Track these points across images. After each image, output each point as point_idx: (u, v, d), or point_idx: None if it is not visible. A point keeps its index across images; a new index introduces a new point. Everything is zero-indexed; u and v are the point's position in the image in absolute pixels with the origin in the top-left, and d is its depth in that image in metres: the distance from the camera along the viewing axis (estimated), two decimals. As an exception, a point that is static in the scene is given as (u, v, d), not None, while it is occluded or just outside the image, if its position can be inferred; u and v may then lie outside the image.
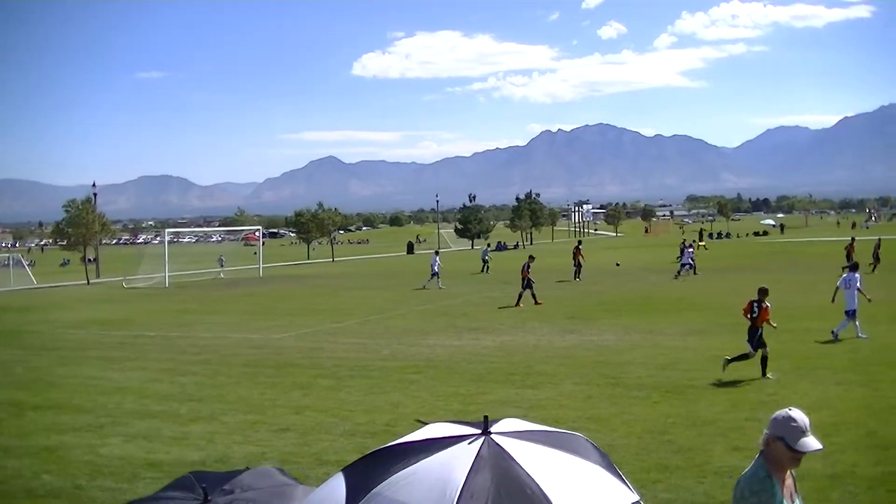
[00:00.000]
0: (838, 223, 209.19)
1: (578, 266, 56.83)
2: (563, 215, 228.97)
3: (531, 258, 44.56)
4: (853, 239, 62.66)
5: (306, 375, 23.40)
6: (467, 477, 3.32)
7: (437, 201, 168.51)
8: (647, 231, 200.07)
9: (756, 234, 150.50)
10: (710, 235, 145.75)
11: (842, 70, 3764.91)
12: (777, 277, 51.72)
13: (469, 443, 3.55)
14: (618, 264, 70.62)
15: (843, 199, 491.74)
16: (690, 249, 60.62)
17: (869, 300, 28.08)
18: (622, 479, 3.79)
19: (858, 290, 27.65)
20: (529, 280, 42.24)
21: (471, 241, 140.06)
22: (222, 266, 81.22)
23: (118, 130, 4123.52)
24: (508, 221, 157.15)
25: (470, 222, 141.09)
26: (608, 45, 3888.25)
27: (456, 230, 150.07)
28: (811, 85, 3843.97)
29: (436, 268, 54.64)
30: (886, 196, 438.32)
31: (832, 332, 27.07)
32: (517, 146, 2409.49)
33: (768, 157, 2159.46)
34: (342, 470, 3.81)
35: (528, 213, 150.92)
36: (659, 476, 13.06)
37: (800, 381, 20.00)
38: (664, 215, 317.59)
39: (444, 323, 35.04)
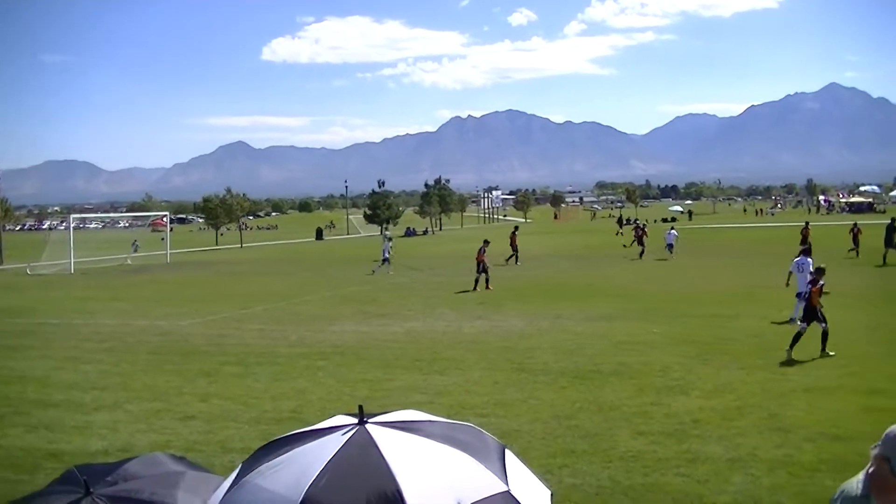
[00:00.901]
0: (745, 210, 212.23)
1: (515, 250, 56.88)
2: (473, 201, 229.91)
3: (486, 242, 44.22)
4: (807, 223, 64.22)
5: (213, 362, 23.10)
6: (328, 463, 3.30)
7: (347, 187, 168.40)
8: (556, 217, 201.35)
9: (664, 220, 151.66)
10: (620, 221, 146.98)
11: (749, 59, 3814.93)
12: (684, 264, 52.43)
13: (343, 433, 3.52)
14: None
15: (750, 186, 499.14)
16: (674, 232, 64.17)
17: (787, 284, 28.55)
18: (501, 470, 3.72)
19: (809, 273, 27.14)
20: (485, 264, 42.17)
21: (380, 227, 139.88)
22: (136, 251, 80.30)
23: (21, 113, 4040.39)
24: (418, 207, 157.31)
25: (379, 208, 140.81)
26: (518, 32, 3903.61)
27: (365, 216, 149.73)
28: (719, 73, 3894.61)
29: (387, 253, 54.16)
30: (791, 183, 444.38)
31: (790, 318, 27.27)
32: (427, 132, 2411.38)
33: (677, 145, 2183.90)
34: (242, 462, 3.79)
35: (438, 199, 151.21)
36: (565, 461, 13.10)
37: (704, 366, 20.16)
38: (573, 202, 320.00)
39: (352, 309, 34.88)
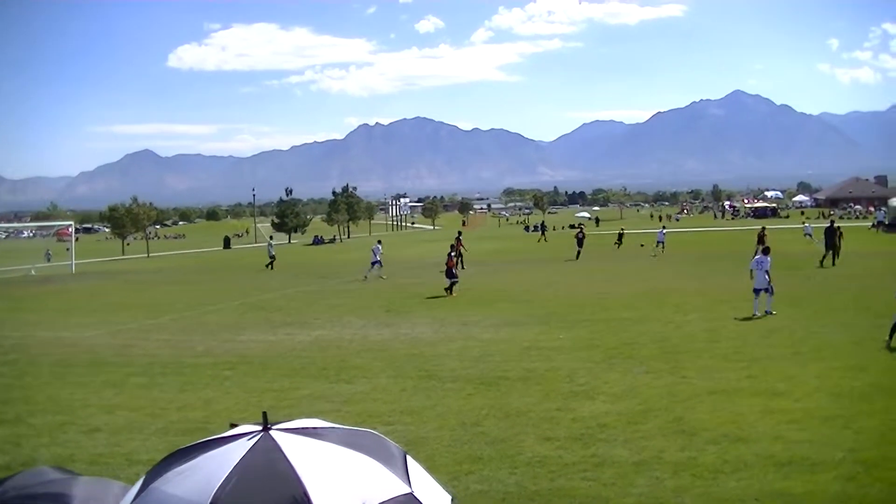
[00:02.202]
0: (651, 216, 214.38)
1: (459, 255, 57.10)
2: (381, 209, 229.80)
3: (453, 248, 45.18)
4: (763, 228, 65.18)
5: (119, 373, 22.76)
6: (234, 468, 3.30)
7: (254, 195, 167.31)
8: (464, 224, 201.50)
9: (571, 226, 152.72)
10: (527, 228, 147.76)
11: (655, 66, 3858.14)
12: (590, 268, 52.86)
13: (248, 439, 3.52)
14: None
15: (657, 191, 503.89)
16: (664, 230, 75.02)
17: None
18: (404, 473, 3.73)
19: (766, 271, 30.41)
20: (454, 269, 42.35)
21: (288, 235, 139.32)
22: (49, 261, 79.21)
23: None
24: (325, 215, 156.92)
25: (287, 216, 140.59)
26: (426, 39, 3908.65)
27: (273, 224, 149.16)
28: (626, 80, 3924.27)
29: (377, 256, 53.44)
30: (698, 189, 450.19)
31: (766, 311, 29.86)
32: (335, 140, 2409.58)
33: (584, 151, 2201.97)
34: (147, 472, 3.77)
35: (345, 206, 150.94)
36: (471, 467, 13.11)
37: (610, 371, 20.33)
38: (481, 208, 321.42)
39: (259, 318, 34.69)
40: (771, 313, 29.87)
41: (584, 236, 70.11)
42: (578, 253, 66.29)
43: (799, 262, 51.27)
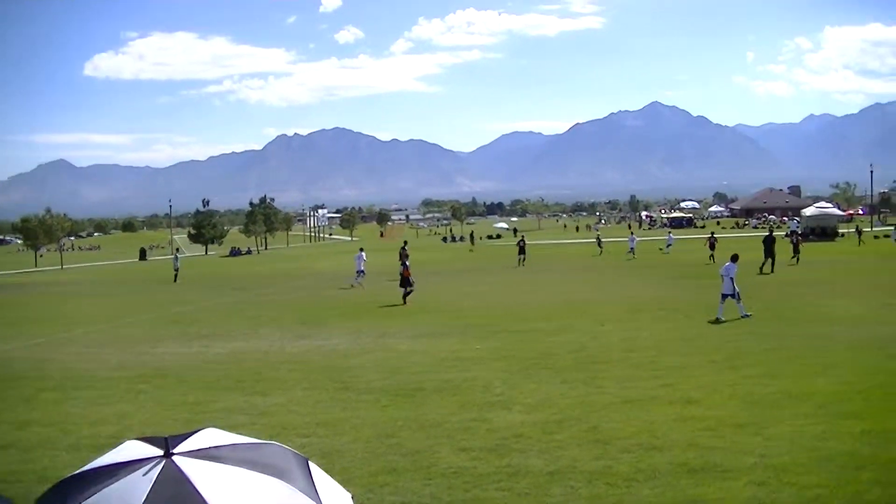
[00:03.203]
0: (565, 226, 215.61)
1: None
2: (299, 220, 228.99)
3: (407, 257, 45.47)
4: (713, 233, 71.79)
5: (31, 388, 22.34)
6: (142, 506, 3.20)
7: (171, 206, 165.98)
8: (382, 235, 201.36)
9: (490, 237, 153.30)
10: (445, 239, 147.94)
11: (574, 78, 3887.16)
12: (508, 279, 53.01)
13: (148, 469, 3.41)
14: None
15: (576, 202, 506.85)
16: (633, 237, 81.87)
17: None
18: (310, 486, 3.69)
19: (731, 278, 31.87)
20: (410, 278, 42.52)
21: (205, 247, 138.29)
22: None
23: None
24: (243, 227, 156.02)
25: (204, 227, 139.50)
26: (345, 50, 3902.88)
27: (189, 235, 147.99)
28: (545, 91, 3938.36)
29: (361, 265, 53.67)
30: (615, 199, 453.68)
31: (742, 315, 31.19)
32: (253, 150, 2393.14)
33: (503, 162, 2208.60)
34: (36, 500, 3.63)
35: (263, 218, 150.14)
36: (386, 479, 13.05)
37: (526, 381, 20.37)
38: (399, 219, 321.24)
39: (175, 330, 34.35)
40: (747, 315, 31.19)
41: (525, 244, 74.22)
42: (521, 260, 70.35)
43: (714, 272, 51.87)
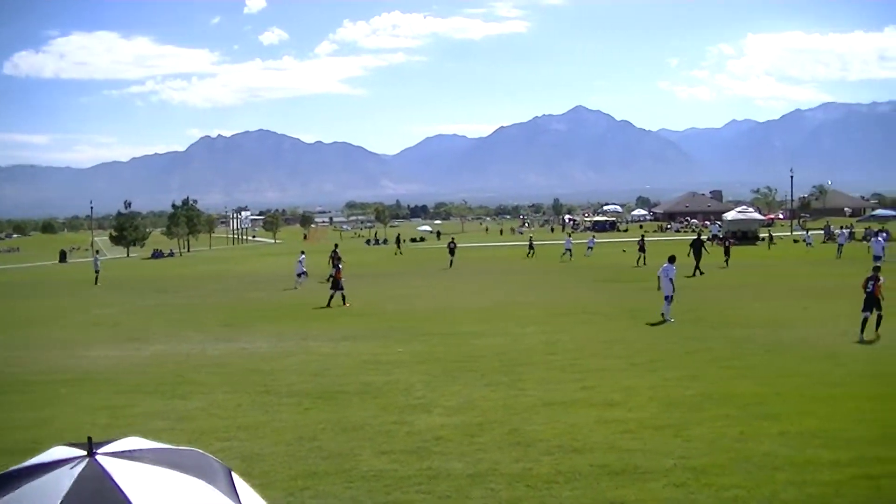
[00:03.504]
0: (486, 229, 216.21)
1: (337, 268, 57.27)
2: (222, 222, 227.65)
3: (340, 259, 46.48)
4: (643, 237, 74.25)
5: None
6: (62, 500, 3.17)
7: (92, 208, 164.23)
8: (305, 237, 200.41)
9: (413, 240, 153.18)
10: (368, 241, 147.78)
11: (499, 81, 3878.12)
12: (430, 283, 53.03)
13: (72, 467, 3.38)
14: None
15: (499, 205, 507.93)
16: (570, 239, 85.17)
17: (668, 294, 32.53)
18: (231, 491, 3.66)
19: (671, 279, 32.51)
20: (339, 280, 42.38)
21: (126, 249, 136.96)
22: None
23: None
24: (165, 229, 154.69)
25: (126, 229, 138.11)
26: (269, 51, 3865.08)
27: (111, 237, 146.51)
28: (469, 94, 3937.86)
29: (303, 267, 53.65)
30: (539, 203, 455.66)
31: (668, 316, 31.85)
32: (176, 151, 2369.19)
33: (427, 165, 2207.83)
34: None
35: (185, 220, 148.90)
36: (307, 483, 12.99)
37: (448, 384, 20.39)
38: (323, 222, 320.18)
39: (96, 334, 33.90)
40: (668, 320, 31.72)
41: (455, 246, 76.48)
42: (451, 262, 71.45)
43: (639, 275, 52.53)
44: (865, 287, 27.80)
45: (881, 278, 28.15)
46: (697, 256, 54.46)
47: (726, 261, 61.04)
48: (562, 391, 19.12)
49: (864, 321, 26.96)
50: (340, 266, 43.71)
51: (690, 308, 35.26)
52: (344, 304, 41.30)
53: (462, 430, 15.89)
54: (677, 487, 12.29)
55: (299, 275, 53.28)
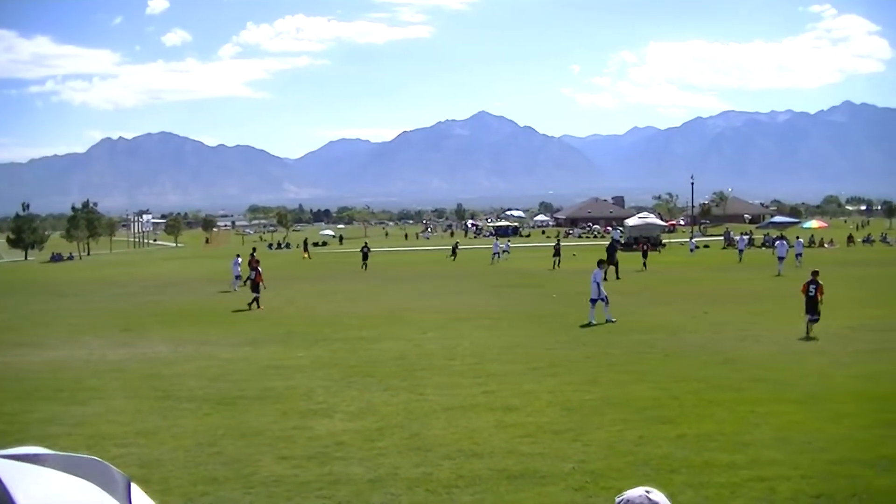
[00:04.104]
0: (386, 234, 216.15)
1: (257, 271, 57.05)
2: (123, 225, 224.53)
3: (258, 261, 46.08)
4: (559, 241, 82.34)
5: None
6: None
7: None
8: (207, 241, 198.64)
9: (315, 244, 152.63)
10: (271, 246, 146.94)
11: (402, 86, 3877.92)
12: (329, 288, 52.88)
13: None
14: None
15: (402, 210, 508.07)
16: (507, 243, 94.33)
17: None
18: (126, 498, 3.63)
19: (598, 283, 33.48)
20: (259, 284, 42.84)
21: (24, 252, 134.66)
22: None
23: None
24: (65, 231, 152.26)
25: (24, 232, 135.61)
26: (172, 53, 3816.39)
27: (8, 240, 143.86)
28: (372, 99, 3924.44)
29: (237, 269, 53.15)
30: (442, 208, 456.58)
31: (593, 319, 32.65)
32: (76, 153, 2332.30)
33: (330, 169, 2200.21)
34: None
35: (85, 222, 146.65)
36: (206, 489, 12.91)
37: (348, 388, 20.40)
38: (225, 225, 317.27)
39: (-12, 339, 33.33)
40: (611, 320, 32.56)
41: (368, 250, 78.39)
42: (365, 265, 74.20)
43: (543, 281, 53.04)
44: (806, 291, 29.16)
45: (821, 283, 29.24)
46: (611, 260, 54.93)
47: (644, 263, 62.50)
48: (462, 396, 19.22)
49: (809, 323, 28.44)
50: (260, 269, 43.52)
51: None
52: (257, 306, 41.61)
53: (362, 435, 15.91)
54: (576, 491, 12.43)
55: (237, 277, 52.84)
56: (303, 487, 12.83)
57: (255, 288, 42.84)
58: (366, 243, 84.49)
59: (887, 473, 13.07)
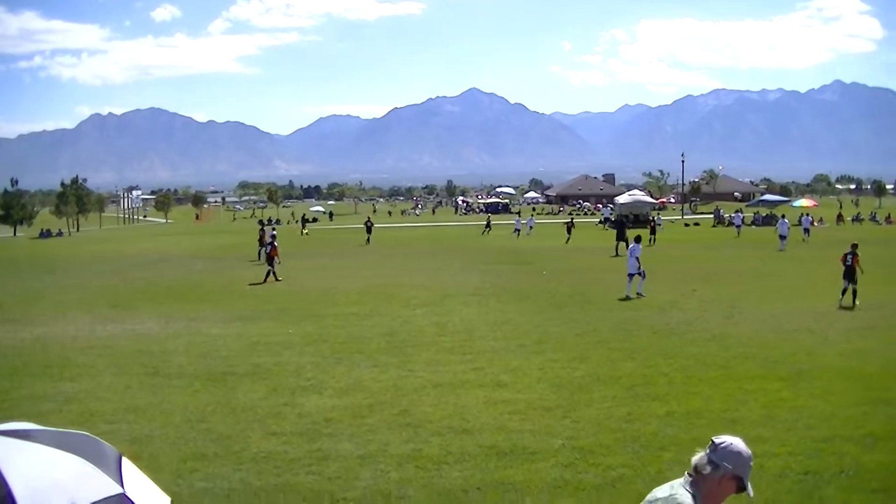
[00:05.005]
0: (374, 210, 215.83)
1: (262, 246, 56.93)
2: (112, 201, 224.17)
3: (273, 237, 46.15)
4: (572, 219, 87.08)
5: None
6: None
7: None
8: (197, 218, 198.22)
9: (306, 220, 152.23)
10: (261, 222, 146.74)
11: (392, 62, 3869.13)
12: (321, 264, 52.82)
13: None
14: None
15: (392, 186, 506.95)
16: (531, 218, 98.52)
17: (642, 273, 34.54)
18: (117, 473, 3.64)
19: (636, 257, 34.31)
20: (273, 258, 43.67)
21: (13, 228, 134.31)
22: None
23: None
24: (54, 207, 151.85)
25: (13, 208, 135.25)
26: (161, 28, 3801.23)
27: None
28: (363, 75, 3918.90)
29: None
30: (433, 185, 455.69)
31: (637, 293, 33.58)
32: (65, 129, 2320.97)
33: (320, 145, 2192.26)
34: None
35: (75, 199, 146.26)
36: (196, 465, 12.96)
37: (337, 365, 20.43)
38: (215, 202, 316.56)
39: (-23, 316, 33.20)
40: (642, 295, 33.43)
41: (372, 224, 79.60)
42: (368, 239, 74.89)
43: (533, 258, 53.04)
44: (844, 261, 31.23)
45: (858, 254, 31.32)
46: (621, 237, 57.00)
47: (651, 239, 62.97)
48: (451, 372, 19.28)
49: (844, 290, 30.51)
50: (276, 244, 44.12)
51: (579, 291, 35.74)
52: (275, 278, 42.41)
53: (352, 411, 15.96)
54: (565, 467, 12.51)
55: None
56: (292, 464, 12.89)
57: (271, 261, 43.56)
58: (369, 217, 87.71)
59: (874, 450, 13.18)
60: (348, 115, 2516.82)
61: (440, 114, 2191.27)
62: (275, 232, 47.22)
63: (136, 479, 3.62)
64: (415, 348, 22.52)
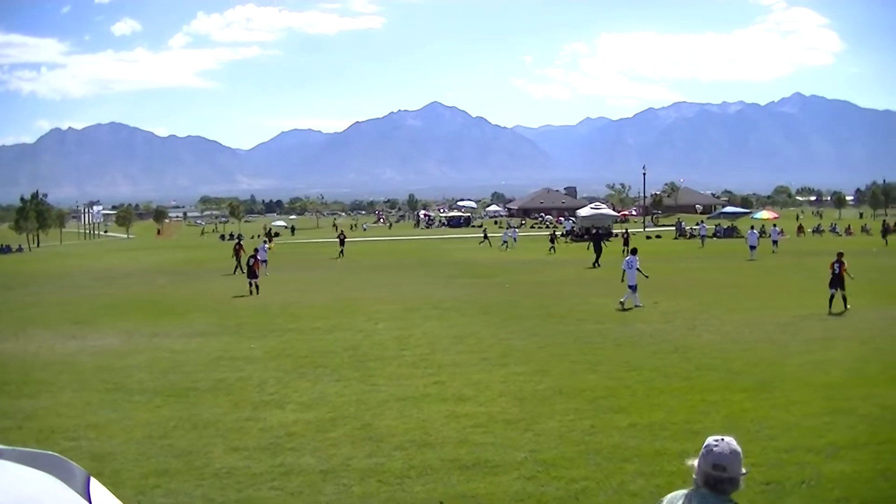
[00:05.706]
0: (334, 225, 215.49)
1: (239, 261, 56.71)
2: (73, 217, 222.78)
3: (256, 250, 48.60)
4: (554, 230, 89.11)
5: None
6: None
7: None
8: (159, 233, 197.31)
9: (270, 234, 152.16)
10: (223, 237, 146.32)
11: (354, 77, 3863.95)
12: (280, 278, 52.70)
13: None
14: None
15: (354, 200, 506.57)
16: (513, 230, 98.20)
17: (646, 276, 35.73)
18: (84, 490, 3.63)
19: (638, 269, 34.69)
20: (255, 270, 44.09)
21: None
22: None
23: None
24: (13, 223, 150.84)
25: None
26: (122, 42, 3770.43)
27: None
28: (324, 89, 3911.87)
29: (265, 255, 54.56)
30: (394, 198, 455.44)
31: (620, 302, 34.01)
32: (25, 143, 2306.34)
33: (282, 160, 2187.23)
34: None
35: (35, 214, 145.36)
36: (158, 481, 12.90)
37: (300, 379, 20.40)
38: (177, 217, 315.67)
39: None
40: (639, 306, 33.87)
41: (345, 237, 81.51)
42: (341, 252, 75.65)
43: (496, 271, 53.07)
44: (833, 268, 31.81)
45: (845, 262, 32.01)
46: (598, 251, 58.28)
47: (624, 250, 63.04)
48: (413, 386, 19.29)
49: (832, 297, 31.29)
50: (258, 257, 44.77)
51: (542, 304, 35.77)
52: (256, 292, 42.72)
53: (315, 425, 15.93)
54: (528, 480, 12.54)
55: (264, 262, 52.95)
56: (255, 478, 12.86)
57: (252, 274, 43.71)
58: (342, 231, 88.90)
59: (835, 460, 13.27)
60: (310, 129, 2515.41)
61: (402, 127, 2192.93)
62: (267, 245, 47.78)
63: (104, 499, 3.61)
64: (378, 362, 22.53)
